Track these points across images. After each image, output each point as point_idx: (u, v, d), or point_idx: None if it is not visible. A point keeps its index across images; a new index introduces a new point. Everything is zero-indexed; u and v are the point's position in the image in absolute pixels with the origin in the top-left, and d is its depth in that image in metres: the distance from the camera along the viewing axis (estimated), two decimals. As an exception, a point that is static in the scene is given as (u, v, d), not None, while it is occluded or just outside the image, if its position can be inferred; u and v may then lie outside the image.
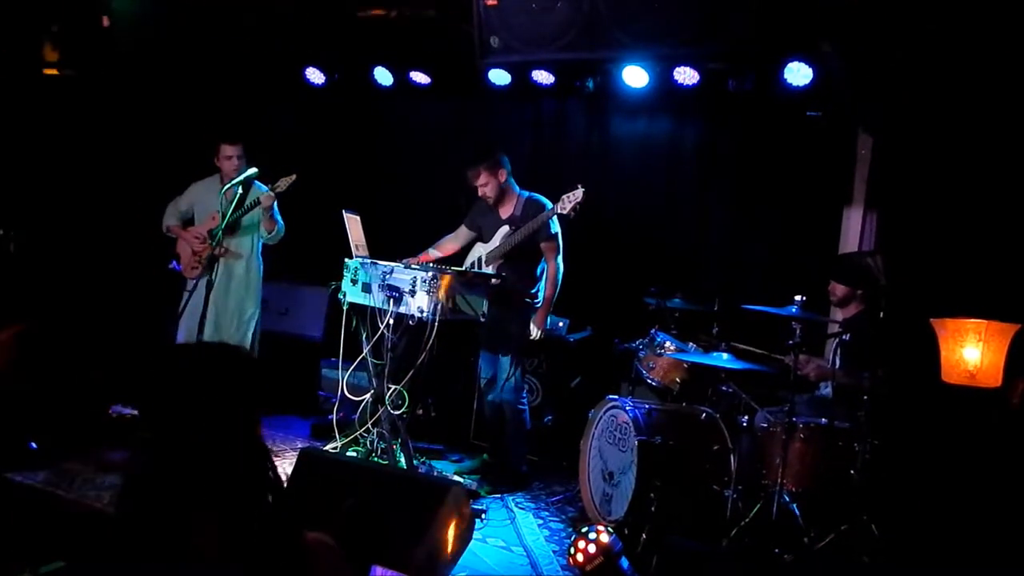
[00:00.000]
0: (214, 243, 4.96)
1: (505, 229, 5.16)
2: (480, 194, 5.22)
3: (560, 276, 5.17)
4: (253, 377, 1.87)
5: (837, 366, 4.52)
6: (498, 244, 5.17)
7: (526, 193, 5.23)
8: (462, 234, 5.46)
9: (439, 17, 5.96)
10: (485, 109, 6.90)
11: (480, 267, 5.23)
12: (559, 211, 4.85)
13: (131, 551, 1.71)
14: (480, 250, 5.31)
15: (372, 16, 6.01)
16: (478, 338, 5.32)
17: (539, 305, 5.17)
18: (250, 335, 5.73)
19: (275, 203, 5.46)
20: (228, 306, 5.60)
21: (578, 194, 4.78)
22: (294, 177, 5.38)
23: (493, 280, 4.94)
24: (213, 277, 4.89)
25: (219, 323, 5.50)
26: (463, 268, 5.28)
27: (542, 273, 5.20)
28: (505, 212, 5.23)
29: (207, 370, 1.84)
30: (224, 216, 5.13)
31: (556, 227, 5.13)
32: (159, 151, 5.93)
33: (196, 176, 5.77)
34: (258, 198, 5.40)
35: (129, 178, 5.90)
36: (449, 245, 5.47)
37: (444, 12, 5.85)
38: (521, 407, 5.20)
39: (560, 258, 5.16)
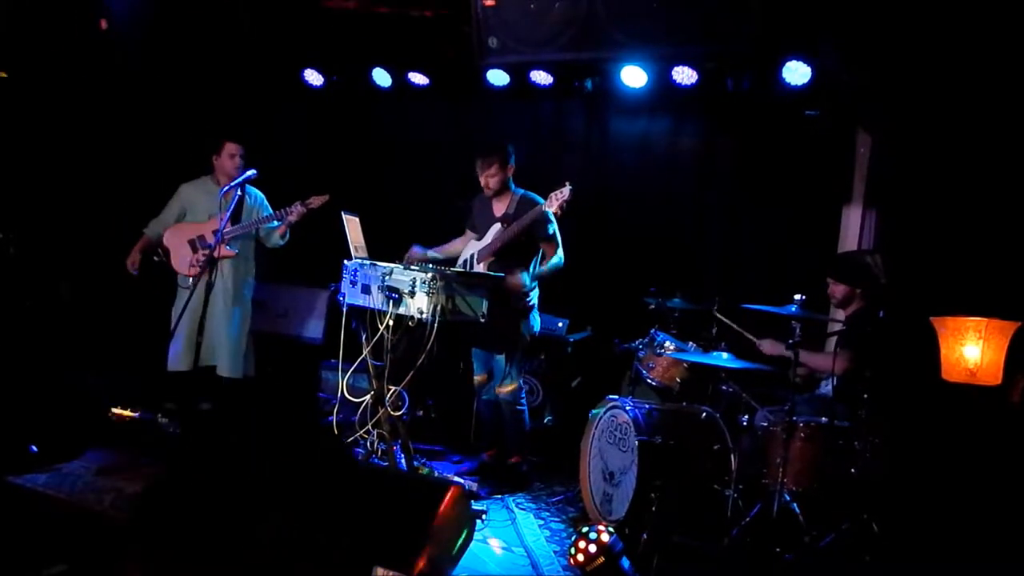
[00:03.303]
0: (215, 245, 4.95)
1: (497, 227, 5.14)
2: (483, 184, 5.17)
3: (560, 264, 5.11)
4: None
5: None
6: (489, 241, 5.15)
7: (520, 191, 5.20)
8: (467, 237, 5.44)
9: (438, 18, 5.97)
10: (484, 110, 6.89)
11: (472, 264, 5.21)
12: (546, 209, 4.79)
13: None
14: (473, 247, 5.29)
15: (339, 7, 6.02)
16: (469, 337, 5.28)
17: (532, 303, 5.14)
18: (247, 334, 5.72)
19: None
20: (229, 308, 5.58)
21: (565, 192, 4.70)
22: (327, 197, 5.43)
23: (493, 279, 4.92)
24: (212, 279, 4.87)
25: (217, 325, 5.49)
26: (457, 266, 5.29)
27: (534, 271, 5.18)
28: (499, 209, 5.20)
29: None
30: (225, 218, 5.14)
31: (554, 227, 5.11)
32: (158, 153, 5.93)
33: (193, 177, 5.76)
34: (291, 211, 5.43)
35: (128, 181, 5.90)
36: (454, 248, 5.45)
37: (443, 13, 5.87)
38: (520, 408, 5.19)
39: (560, 251, 5.13)
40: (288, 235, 5.69)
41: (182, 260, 5.53)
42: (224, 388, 5.54)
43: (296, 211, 5.45)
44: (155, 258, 5.55)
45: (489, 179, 5.14)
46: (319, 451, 4.90)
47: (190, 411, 5.08)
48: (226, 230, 5.47)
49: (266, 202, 5.71)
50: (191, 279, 5.49)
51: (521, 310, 5.11)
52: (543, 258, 5.15)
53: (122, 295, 5.95)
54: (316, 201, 5.44)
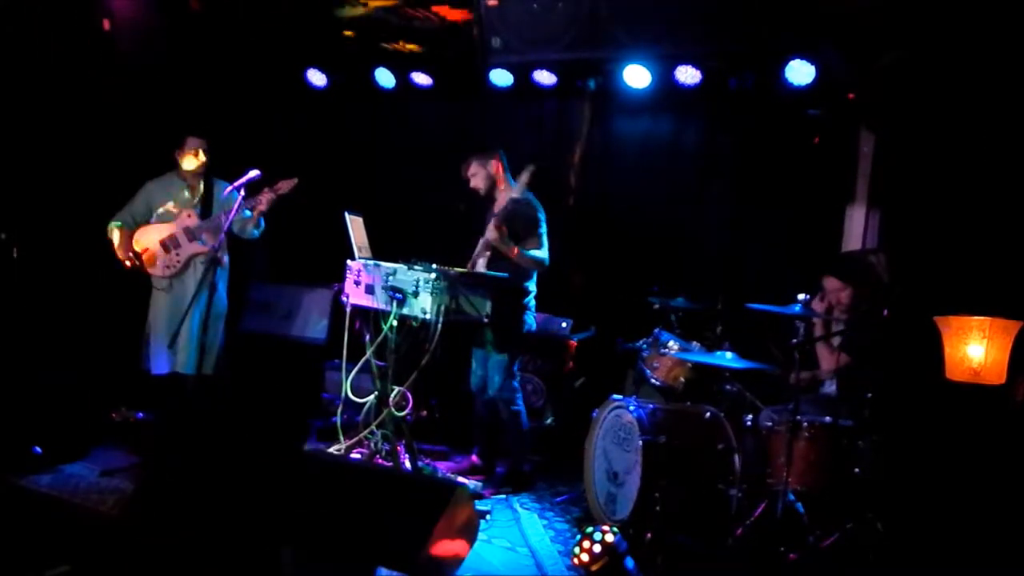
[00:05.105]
0: (218, 246, 4.93)
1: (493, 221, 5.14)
2: (472, 185, 5.21)
3: (542, 259, 5.04)
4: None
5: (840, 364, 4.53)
6: (485, 235, 5.11)
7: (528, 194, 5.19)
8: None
9: (439, 18, 5.98)
10: (487, 110, 6.89)
11: (474, 261, 5.20)
12: (515, 194, 4.86)
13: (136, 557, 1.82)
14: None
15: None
16: (471, 337, 5.26)
17: (529, 304, 5.13)
18: (221, 330, 5.65)
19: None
20: (215, 306, 5.52)
21: (526, 173, 4.82)
22: (295, 181, 5.36)
23: (498, 278, 4.90)
24: (215, 279, 4.86)
25: (207, 325, 5.43)
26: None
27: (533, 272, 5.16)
28: (497, 206, 5.18)
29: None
30: (227, 219, 5.13)
31: (543, 227, 5.06)
32: (159, 155, 5.92)
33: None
34: (259, 199, 5.36)
35: (129, 182, 5.89)
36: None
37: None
38: (516, 408, 5.14)
39: (544, 251, 5.06)
40: (263, 224, 5.58)
41: (160, 262, 5.45)
42: (212, 387, 5.49)
43: (265, 198, 5.34)
44: (128, 263, 5.46)
45: (472, 178, 5.20)
46: (322, 451, 4.91)
47: (201, 413, 5.06)
48: (194, 225, 5.45)
49: (235, 193, 5.61)
50: (166, 280, 5.46)
51: (520, 305, 5.09)
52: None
53: (101, 294, 5.94)
54: (284, 186, 5.35)
